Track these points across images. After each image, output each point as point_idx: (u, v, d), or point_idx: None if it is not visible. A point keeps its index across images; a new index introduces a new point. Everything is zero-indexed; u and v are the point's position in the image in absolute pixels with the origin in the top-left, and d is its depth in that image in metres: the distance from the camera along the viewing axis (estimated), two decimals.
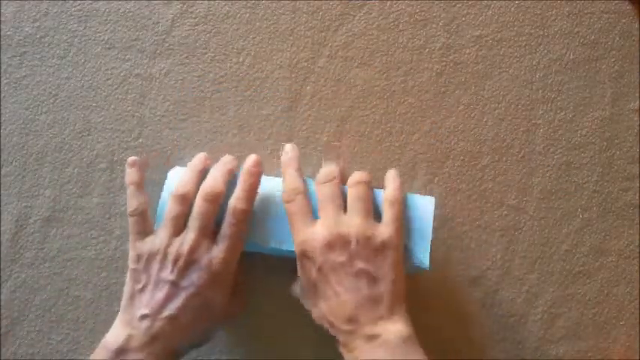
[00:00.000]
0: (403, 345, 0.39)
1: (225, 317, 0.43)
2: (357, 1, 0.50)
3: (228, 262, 0.41)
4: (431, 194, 0.49)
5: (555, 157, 0.50)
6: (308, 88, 0.50)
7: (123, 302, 0.42)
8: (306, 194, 0.42)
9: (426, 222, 0.44)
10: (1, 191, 0.49)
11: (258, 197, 0.43)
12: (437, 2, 0.50)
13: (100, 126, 0.50)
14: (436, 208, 0.48)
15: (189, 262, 0.41)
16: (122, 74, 0.50)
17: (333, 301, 0.40)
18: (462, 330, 0.49)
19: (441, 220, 0.49)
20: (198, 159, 0.45)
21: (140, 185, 0.42)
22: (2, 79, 0.50)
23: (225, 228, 0.42)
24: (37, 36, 0.50)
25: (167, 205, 0.42)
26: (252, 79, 0.50)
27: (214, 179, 0.42)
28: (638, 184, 0.50)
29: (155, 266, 0.41)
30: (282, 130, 0.50)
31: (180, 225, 0.42)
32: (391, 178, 0.43)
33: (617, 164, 0.50)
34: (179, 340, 0.41)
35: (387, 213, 0.42)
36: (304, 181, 0.43)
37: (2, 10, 0.50)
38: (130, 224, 0.42)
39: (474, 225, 0.50)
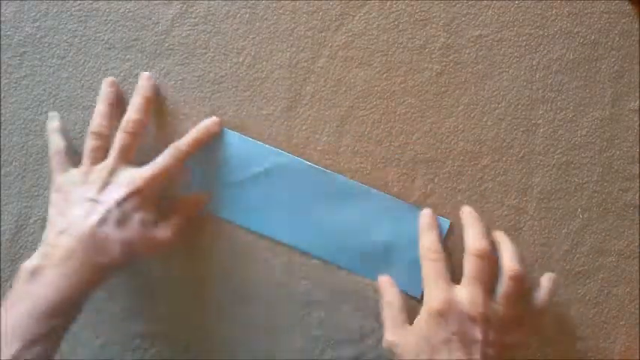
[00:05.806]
0: None
1: (152, 242, 0.43)
2: (357, 1, 0.50)
3: (149, 179, 0.43)
4: (430, 194, 0.49)
5: (555, 157, 0.50)
6: (308, 88, 0.50)
7: (44, 234, 0.42)
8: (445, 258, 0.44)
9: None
10: (1, 191, 0.49)
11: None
12: (437, 2, 0.50)
13: None
14: (448, 233, 0.49)
15: (107, 182, 0.42)
16: (122, 74, 0.50)
17: None
18: None
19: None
20: (108, 89, 0.46)
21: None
22: (2, 79, 0.50)
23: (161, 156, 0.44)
24: (37, 36, 0.50)
25: (85, 141, 0.44)
26: (252, 79, 0.50)
27: (134, 110, 0.45)
28: (638, 184, 0.50)
29: (76, 190, 0.42)
30: (282, 130, 0.50)
31: (99, 157, 0.44)
32: (548, 281, 0.46)
33: (617, 164, 0.50)
34: (96, 256, 0.40)
35: (528, 328, 0.44)
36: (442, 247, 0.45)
37: (2, 10, 0.50)
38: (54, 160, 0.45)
39: None
